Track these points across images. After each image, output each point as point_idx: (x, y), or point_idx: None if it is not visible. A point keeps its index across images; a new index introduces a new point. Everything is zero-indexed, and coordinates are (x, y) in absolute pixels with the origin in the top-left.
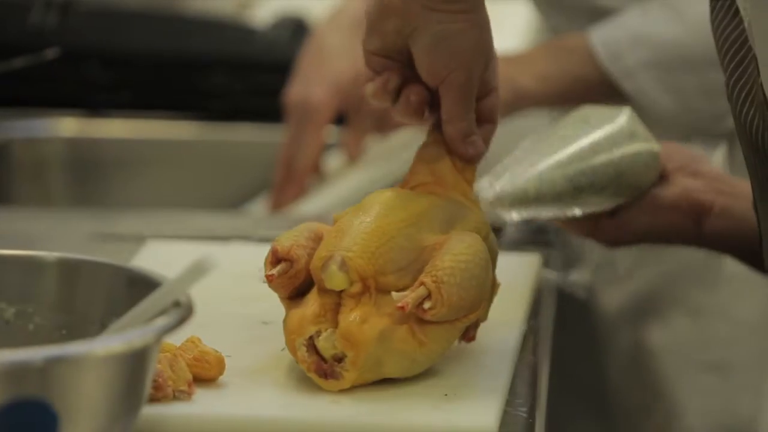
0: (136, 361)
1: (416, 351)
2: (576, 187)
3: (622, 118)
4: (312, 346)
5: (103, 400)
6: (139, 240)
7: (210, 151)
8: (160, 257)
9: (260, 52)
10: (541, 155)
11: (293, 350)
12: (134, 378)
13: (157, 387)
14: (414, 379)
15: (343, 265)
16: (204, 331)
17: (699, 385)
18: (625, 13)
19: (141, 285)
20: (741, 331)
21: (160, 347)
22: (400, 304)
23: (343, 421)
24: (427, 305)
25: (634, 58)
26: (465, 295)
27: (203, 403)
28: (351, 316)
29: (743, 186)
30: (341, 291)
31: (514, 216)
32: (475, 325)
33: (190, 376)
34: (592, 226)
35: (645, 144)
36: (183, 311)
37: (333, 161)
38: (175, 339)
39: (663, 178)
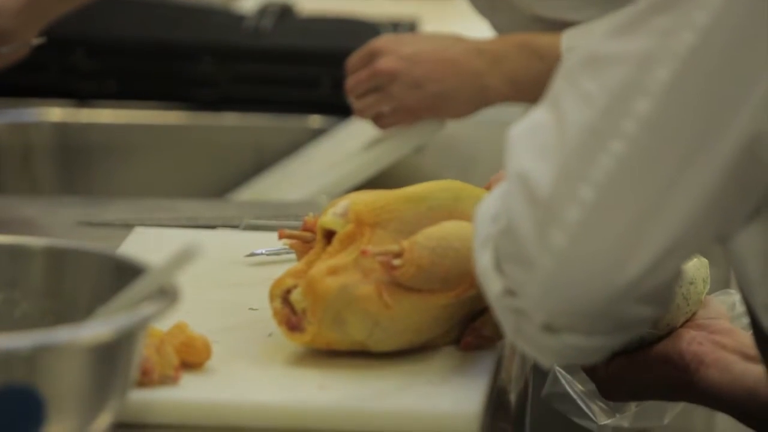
0: (122, 346)
1: (380, 313)
2: None
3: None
4: (286, 299)
5: (90, 385)
6: (126, 227)
7: (197, 139)
8: (147, 244)
9: (246, 39)
10: None
11: (271, 302)
12: (121, 363)
13: (144, 372)
14: (400, 366)
15: (345, 211)
16: (191, 316)
17: None
18: (598, 21)
19: (128, 272)
20: None
21: (147, 333)
22: (363, 249)
23: (330, 406)
24: (396, 262)
25: None
26: (438, 262)
27: (190, 388)
28: (321, 266)
29: (746, 340)
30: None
31: None
32: (477, 335)
33: (176, 362)
34: (589, 372)
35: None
36: (169, 297)
37: (319, 147)
38: (162, 325)
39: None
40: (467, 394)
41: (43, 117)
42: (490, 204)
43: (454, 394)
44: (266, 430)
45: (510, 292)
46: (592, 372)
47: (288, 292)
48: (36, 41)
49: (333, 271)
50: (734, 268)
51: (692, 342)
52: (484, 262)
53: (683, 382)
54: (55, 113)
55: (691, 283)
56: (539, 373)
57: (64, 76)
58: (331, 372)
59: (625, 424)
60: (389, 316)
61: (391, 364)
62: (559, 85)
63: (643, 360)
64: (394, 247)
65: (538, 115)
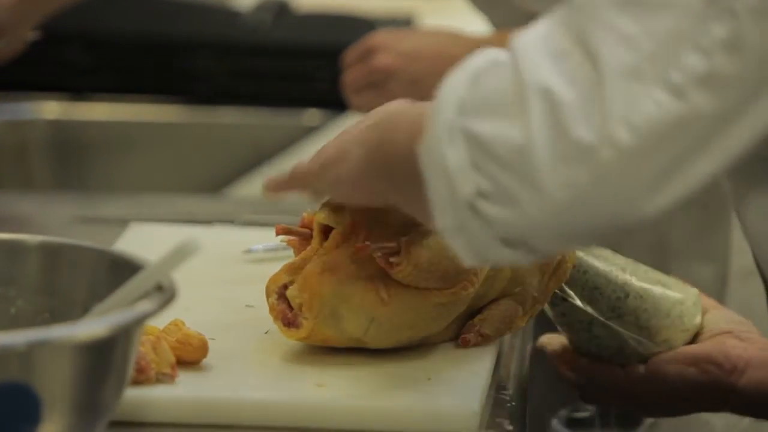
0: (118, 344)
1: (376, 308)
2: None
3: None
4: (283, 295)
5: (86, 383)
6: (122, 223)
7: (193, 134)
8: (144, 240)
9: (243, 35)
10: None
11: (267, 298)
12: (117, 361)
13: (140, 370)
14: (398, 363)
15: (338, 207)
16: (187, 314)
17: None
18: None
19: (124, 268)
20: None
21: (144, 330)
22: (359, 245)
23: (328, 403)
24: (394, 260)
25: None
26: (436, 261)
27: (186, 386)
28: (317, 261)
29: None
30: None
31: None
32: (476, 332)
33: (173, 359)
34: (620, 372)
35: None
36: (166, 294)
37: (316, 143)
38: (159, 322)
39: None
40: (466, 391)
41: (38, 113)
42: (452, 89)
43: (453, 392)
44: (264, 428)
45: (483, 195)
46: (624, 377)
47: (284, 287)
48: (31, 36)
49: (329, 267)
50: (753, 248)
51: (736, 347)
52: (455, 157)
53: (725, 386)
54: (51, 109)
55: (682, 304)
56: (539, 371)
57: (60, 71)
58: (329, 369)
59: None
60: (385, 311)
61: (389, 361)
62: (579, 19)
63: (683, 357)
64: (392, 245)
65: (558, 42)
